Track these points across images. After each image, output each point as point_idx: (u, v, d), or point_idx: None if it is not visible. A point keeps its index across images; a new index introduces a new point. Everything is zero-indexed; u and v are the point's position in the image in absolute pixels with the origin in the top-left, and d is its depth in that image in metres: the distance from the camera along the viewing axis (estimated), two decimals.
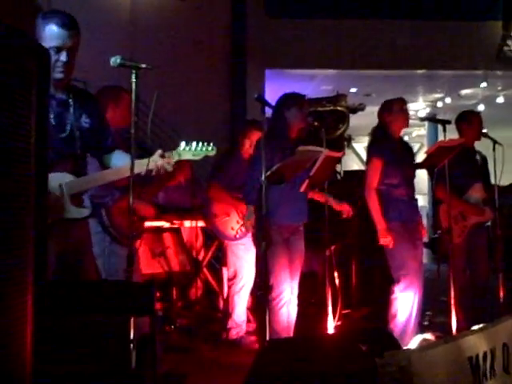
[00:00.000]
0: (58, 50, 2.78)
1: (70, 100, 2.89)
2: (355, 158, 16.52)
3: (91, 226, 3.39)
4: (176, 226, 5.95)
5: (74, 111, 2.88)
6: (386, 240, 4.25)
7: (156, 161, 2.88)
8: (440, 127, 4.40)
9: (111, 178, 2.93)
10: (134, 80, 2.89)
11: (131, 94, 2.89)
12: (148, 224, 4.96)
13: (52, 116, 2.80)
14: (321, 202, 4.42)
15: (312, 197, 4.45)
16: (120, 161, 2.97)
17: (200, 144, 2.96)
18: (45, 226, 1.59)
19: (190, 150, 2.94)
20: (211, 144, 3.00)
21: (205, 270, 6.01)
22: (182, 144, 2.95)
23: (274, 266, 4.06)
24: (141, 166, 2.85)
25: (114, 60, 2.88)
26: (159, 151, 2.91)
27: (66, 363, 2.14)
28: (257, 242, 4.51)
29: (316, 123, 4.62)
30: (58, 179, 2.74)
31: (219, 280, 5.66)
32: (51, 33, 2.78)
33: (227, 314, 5.11)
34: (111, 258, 3.52)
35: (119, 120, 3.73)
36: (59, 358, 2.14)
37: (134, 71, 2.88)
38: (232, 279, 5.08)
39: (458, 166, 4.58)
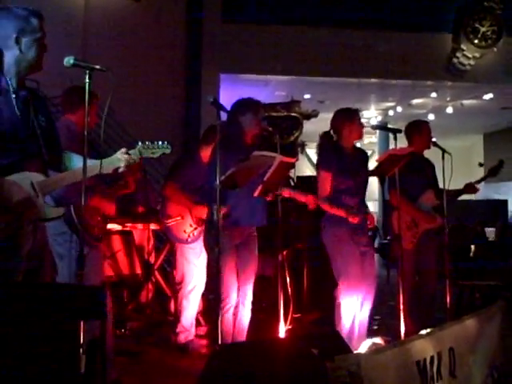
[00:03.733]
0: (40, 40, 2.79)
1: (29, 98, 2.83)
2: (308, 163, 16.65)
3: (56, 227, 3.36)
4: (128, 229, 5.89)
5: (33, 109, 2.83)
6: (352, 218, 4.22)
7: (124, 157, 2.92)
8: (391, 135, 4.47)
9: (80, 177, 2.86)
10: (87, 81, 2.85)
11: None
12: None
13: (18, 113, 2.75)
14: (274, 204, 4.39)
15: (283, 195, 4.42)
16: (80, 161, 2.93)
17: (156, 142, 3.03)
18: None
19: (148, 148, 2.99)
20: (165, 142, 3.06)
21: (156, 273, 5.96)
22: (140, 143, 2.98)
23: (222, 272, 4.05)
24: (108, 166, 2.90)
25: (68, 60, 2.83)
26: (123, 149, 2.95)
27: (14, 367, 2.09)
28: (209, 247, 4.50)
29: (270, 128, 4.62)
30: (30, 179, 2.69)
31: (171, 283, 5.61)
32: (34, 25, 2.77)
33: (177, 317, 5.08)
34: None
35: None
36: (6, 362, 2.09)
37: (87, 72, 2.85)
38: (180, 283, 5.03)
39: (409, 173, 4.66)
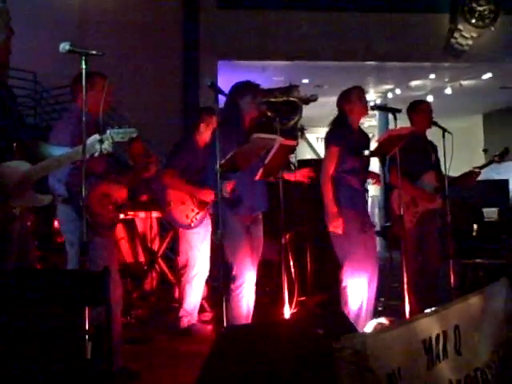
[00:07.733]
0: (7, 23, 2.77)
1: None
2: (308, 148, 16.64)
3: (67, 213, 3.37)
4: (130, 217, 5.88)
5: (9, 97, 2.83)
6: (335, 224, 4.24)
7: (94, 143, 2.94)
8: (391, 117, 4.45)
9: (64, 162, 2.92)
10: (83, 67, 2.86)
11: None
12: None
13: None
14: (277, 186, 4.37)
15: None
16: (57, 150, 2.95)
17: (123, 126, 3.07)
18: None
19: (117, 134, 3.01)
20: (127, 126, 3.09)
21: (160, 260, 5.97)
22: (109, 128, 3.02)
23: (237, 256, 4.03)
24: (88, 151, 2.89)
25: (63, 46, 2.83)
26: (96, 135, 2.96)
27: (18, 353, 2.09)
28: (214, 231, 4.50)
29: (269, 113, 4.60)
30: (18, 167, 2.70)
31: (175, 270, 5.62)
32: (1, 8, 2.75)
33: (180, 303, 5.09)
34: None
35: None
36: (12, 350, 2.09)
37: (83, 57, 2.85)
38: (183, 268, 5.03)
39: (410, 153, 4.64)
